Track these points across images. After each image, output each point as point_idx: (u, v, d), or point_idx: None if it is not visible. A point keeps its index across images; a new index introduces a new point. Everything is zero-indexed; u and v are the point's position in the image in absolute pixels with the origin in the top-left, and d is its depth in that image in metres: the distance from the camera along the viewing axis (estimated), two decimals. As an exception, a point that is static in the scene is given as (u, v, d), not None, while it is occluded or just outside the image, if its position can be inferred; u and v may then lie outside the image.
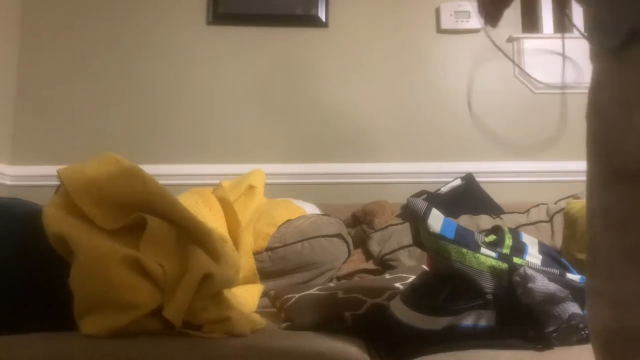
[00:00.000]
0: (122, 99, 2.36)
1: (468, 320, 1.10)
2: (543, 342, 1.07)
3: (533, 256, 1.14)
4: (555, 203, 1.96)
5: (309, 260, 1.71)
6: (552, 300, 1.07)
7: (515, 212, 1.95)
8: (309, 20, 2.39)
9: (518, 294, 1.08)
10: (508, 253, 1.14)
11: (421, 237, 1.17)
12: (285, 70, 2.38)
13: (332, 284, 1.61)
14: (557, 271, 1.11)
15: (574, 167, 2.27)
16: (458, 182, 2.13)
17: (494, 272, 1.10)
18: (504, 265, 1.11)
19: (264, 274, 1.65)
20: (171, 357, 1.00)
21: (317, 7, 2.39)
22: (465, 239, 1.13)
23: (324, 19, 2.39)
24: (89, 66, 2.37)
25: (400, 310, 1.16)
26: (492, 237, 1.21)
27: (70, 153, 2.24)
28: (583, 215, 1.54)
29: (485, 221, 1.87)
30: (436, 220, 1.14)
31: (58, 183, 1.25)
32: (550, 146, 2.30)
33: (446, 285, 1.12)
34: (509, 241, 1.17)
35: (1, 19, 2.28)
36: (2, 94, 2.28)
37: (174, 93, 2.37)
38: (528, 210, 1.95)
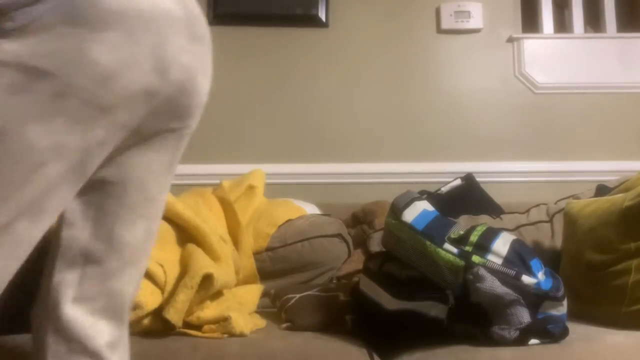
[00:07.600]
0: (122, 99, 2.36)
1: (424, 309, 1.15)
2: (487, 340, 1.11)
3: (497, 255, 1.14)
4: (555, 203, 1.96)
5: (309, 260, 1.71)
6: (498, 302, 1.09)
7: (516, 213, 1.95)
8: (309, 20, 2.39)
9: (470, 291, 1.11)
10: (470, 250, 1.14)
11: (397, 228, 1.22)
12: (285, 70, 2.38)
13: (332, 284, 1.61)
14: (513, 272, 1.12)
15: (574, 167, 2.27)
16: (458, 182, 2.12)
17: (452, 268, 1.13)
18: (461, 263, 1.12)
19: (264, 274, 1.65)
20: (171, 357, 1.00)
21: (317, 7, 2.38)
22: (433, 232, 1.17)
23: (324, 19, 2.39)
24: (89, 66, 2.37)
25: (369, 287, 1.24)
26: (458, 233, 1.20)
27: (70, 153, 2.24)
28: (583, 215, 1.55)
29: (485, 221, 1.86)
30: (412, 211, 1.21)
31: (58, 183, 1.24)
32: (551, 146, 2.30)
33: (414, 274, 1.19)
34: (474, 238, 1.17)
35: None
36: (2, 93, 2.28)
37: (174, 93, 2.37)
38: (528, 211, 1.95)
